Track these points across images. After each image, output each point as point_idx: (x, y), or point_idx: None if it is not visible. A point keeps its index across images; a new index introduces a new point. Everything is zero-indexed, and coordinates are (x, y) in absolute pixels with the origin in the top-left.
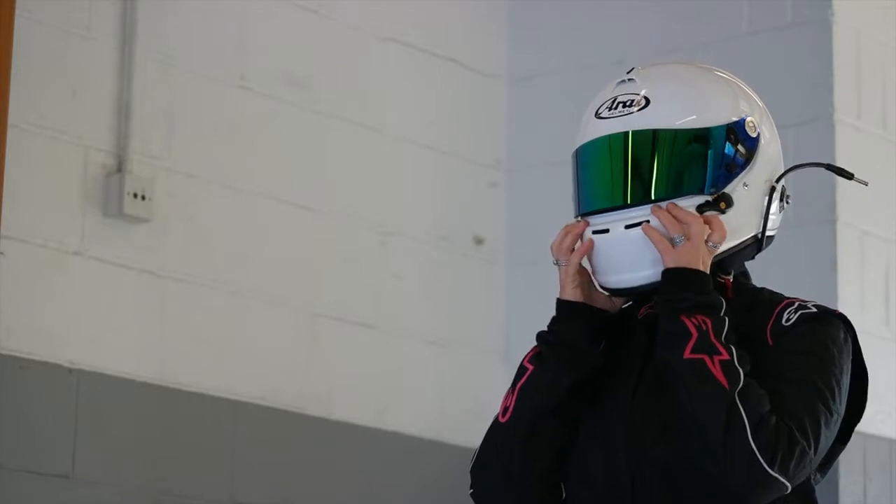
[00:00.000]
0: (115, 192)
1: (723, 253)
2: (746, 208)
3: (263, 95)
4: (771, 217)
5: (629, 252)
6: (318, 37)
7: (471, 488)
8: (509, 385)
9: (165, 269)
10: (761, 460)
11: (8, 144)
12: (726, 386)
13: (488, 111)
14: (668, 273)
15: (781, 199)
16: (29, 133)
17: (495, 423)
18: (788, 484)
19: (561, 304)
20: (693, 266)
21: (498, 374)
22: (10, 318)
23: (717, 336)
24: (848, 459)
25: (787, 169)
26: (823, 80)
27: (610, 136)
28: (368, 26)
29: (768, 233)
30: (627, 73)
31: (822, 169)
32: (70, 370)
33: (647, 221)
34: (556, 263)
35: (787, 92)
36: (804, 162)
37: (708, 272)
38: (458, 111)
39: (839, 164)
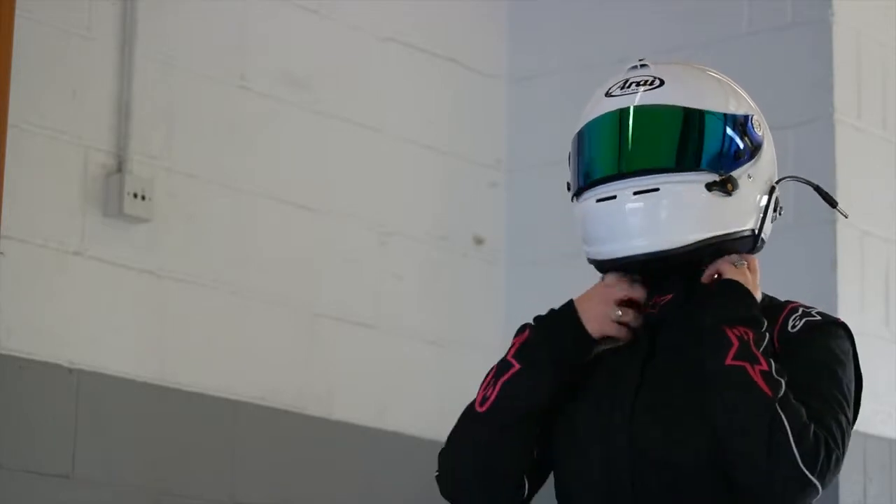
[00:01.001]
0: (115, 192)
1: (718, 237)
2: (748, 199)
3: (263, 95)
4: (767, 217)
5: (635, 219)
6: (318, 37)
7: (437, 471)
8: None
9: (165, 269)
10: (802, 467)
11: (8, 144)
12: (769, 393)
13: (488, 111)
14: (726, 282)
15: (775, 209)
16: (29, 133)
17: (471, 411)
18: (821, 489)
19: (568, 305)
20: (750, 288)
21: None
22: (10, 318)
23: (758, 347)
24: (848, 459)
25: (782, 177)
26: (823, 80)
27: (624, 109)
28: (368, 26)
29: (765, 237)
30: (640, 60)
31: (823, 169)
32: (70, 370)
33: (658, 189)
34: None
35: (787, 92)
36: (797, 175)
37: (757, 299)
38: (458, 111)
39: (839, 164)
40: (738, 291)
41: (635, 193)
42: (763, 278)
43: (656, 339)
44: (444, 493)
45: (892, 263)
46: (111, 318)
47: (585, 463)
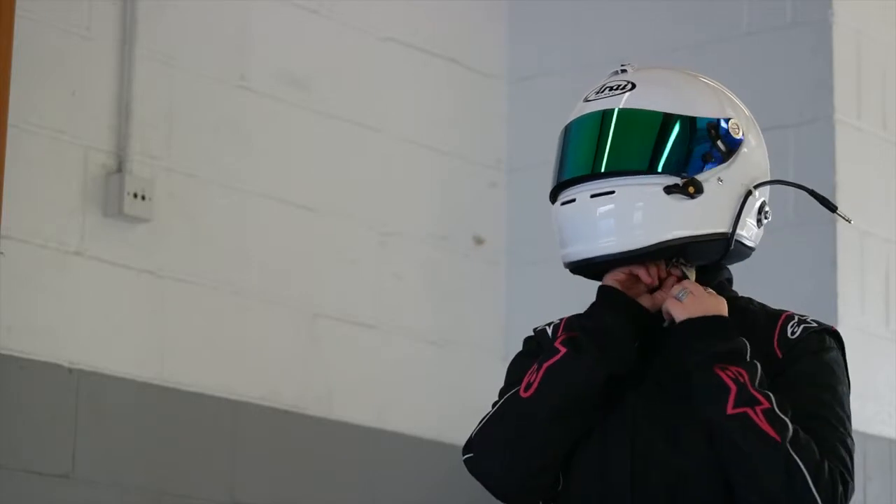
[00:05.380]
0: (115, 192)
1: (681, 239)
2: (717, 202)
3: (263, 95)
4: (747, 223)
5: (593, 221)
6: (318, 37)
7: (468, 452)
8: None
9: (165, 269)
10: None
11: (8, 144)
12: (777, 438)
13: (488, 111)
14: (683, 325)
15: (760, 213)
16: (29, 133)
17: (514, 396)
18: None
19: (603, 289)
20: (708, 313)
21: (498, 374)
22: (10, 318)
23: (754, 384)
24: None
25: (768, 180)
26: (823, 80)
27: (592, 113)
28: (368, 26)
29: (747, 243)
30: (621, 65)
31: (823, 169)
32: (70, 370)
33: (614, 192)
34: None
35: (787, 92)
36: (782, 180)
37: (726, 315)
38: (458, 111)
39: (839, 164)
40: (703, 325)
41: (592, 196)
42: (764, 278)
43: (650, 349)
44: (478, 473)
45: (892, 263)
46: (111, 318)
47: (585, 467)
